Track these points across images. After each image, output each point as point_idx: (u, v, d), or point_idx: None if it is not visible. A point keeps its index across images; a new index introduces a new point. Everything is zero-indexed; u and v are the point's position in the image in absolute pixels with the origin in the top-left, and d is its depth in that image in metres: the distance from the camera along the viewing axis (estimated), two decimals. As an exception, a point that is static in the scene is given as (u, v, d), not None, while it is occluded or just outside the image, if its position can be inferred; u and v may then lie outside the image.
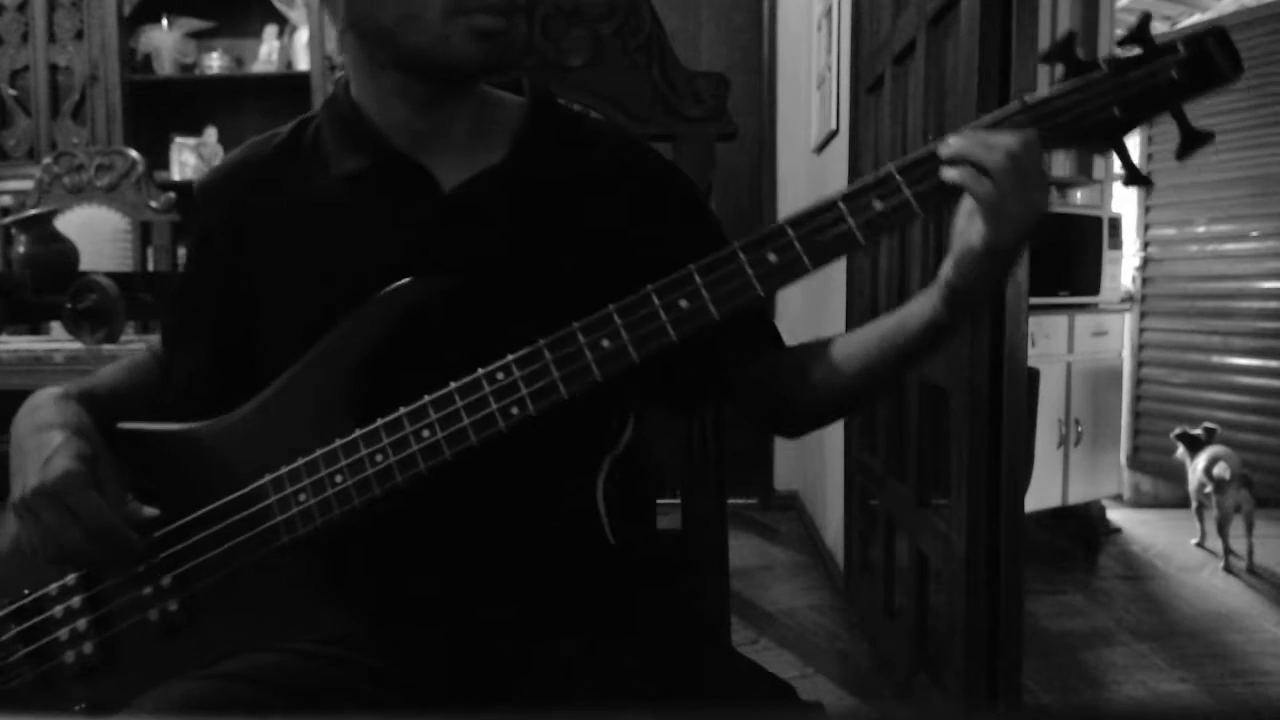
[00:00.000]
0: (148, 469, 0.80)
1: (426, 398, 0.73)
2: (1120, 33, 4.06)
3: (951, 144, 0.69)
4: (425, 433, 0.72)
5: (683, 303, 0.71)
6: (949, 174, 0.69)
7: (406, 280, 0.76)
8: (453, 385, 0.72)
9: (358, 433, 0.74)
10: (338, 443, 0.74)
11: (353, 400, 0.75)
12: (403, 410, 0.73)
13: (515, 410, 0.72)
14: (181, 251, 2.77)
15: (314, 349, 0.77)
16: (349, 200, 0.83)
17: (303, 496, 0.75)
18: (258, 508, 0.76)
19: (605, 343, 0.71)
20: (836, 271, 2.73)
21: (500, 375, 0.72)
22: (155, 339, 0.95)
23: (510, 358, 0.72)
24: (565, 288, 0.80)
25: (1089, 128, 0.69)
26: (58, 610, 0.79)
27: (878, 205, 0.70)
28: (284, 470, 0.75)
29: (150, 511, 0.77)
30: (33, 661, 0.80)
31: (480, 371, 0.72)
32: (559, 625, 0.81)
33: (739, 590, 2.67)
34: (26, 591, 0.81)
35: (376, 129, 0.83)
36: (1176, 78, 0.68)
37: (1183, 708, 1.81)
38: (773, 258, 0.71)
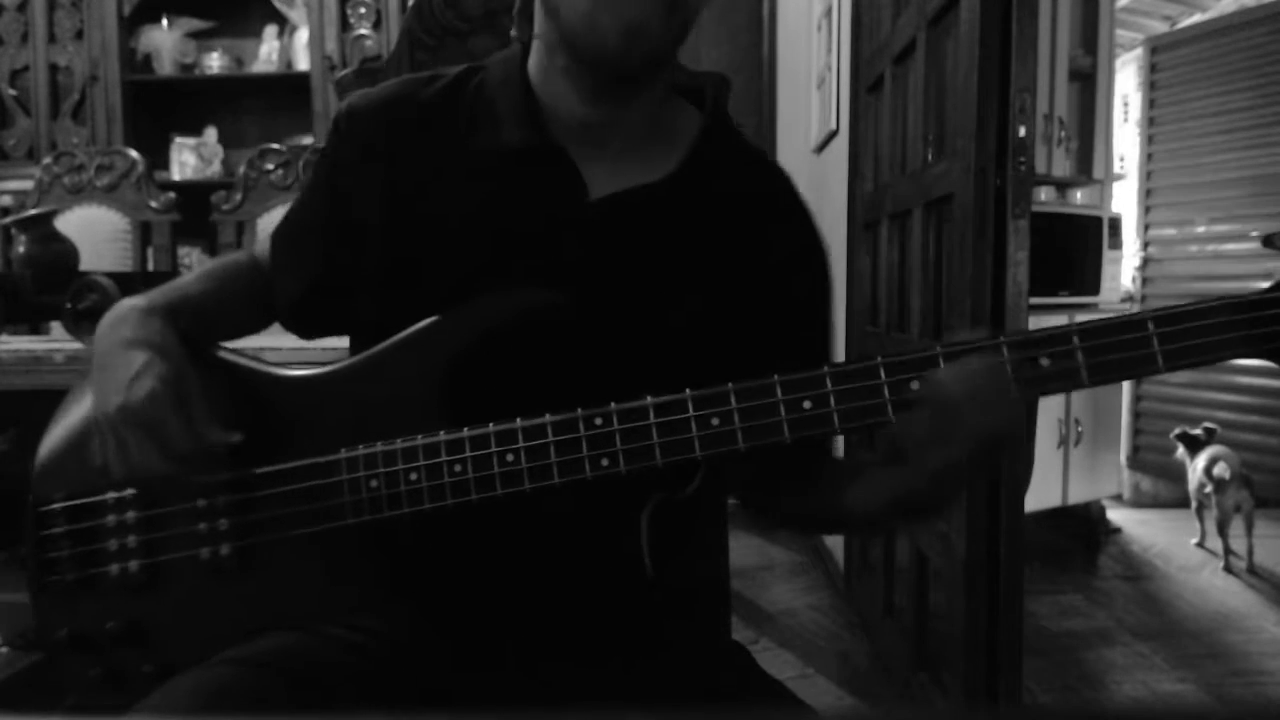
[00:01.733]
0: (230, 399, 0.79)
1: (518, 422, 0.71)
2: (1121, 33, 4.01)
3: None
4: (509, 457, 0.71)
5: (806, 404, 0.67)
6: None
7: (534, 289, 0.74)
8: (548, 417, 0.70)
9: (442, 436, 0.72)
10: (420, 440, 0.73)
11: (444, 393, 0.74)
12: (492, 427, 0.71)
13: (606, 462, 0.70)
14: (182, 251, 2.78)
15: (422, 327, 0.75)
16: (494, 173, 0.80)
17: (374, 483, 0.74)
18: (328, 482, 0.75)
19: (715, 420, 0.68)
20: (837, 276, 2.72)
21: (599, 421, 0.70)
22: (261, 246, 0.92)
23: (614, 407, 0.70)
24: (684, 323, 0.78)
25: None
26: (111, 519, 0.79)
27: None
28: (361, 451, 0.74)
29: (235, 437, 0.75)
30: (76, 563, 0.79)
31: (580, 412, 0.70)
32: (560, 627, 0.81)
33: (739, 590, 2.66)
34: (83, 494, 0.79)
35: (539, 109, 0.79)
36: None
37: (1183, 708, 1.81)
38: (915, 386, 0.66)
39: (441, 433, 0.73)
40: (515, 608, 0.80)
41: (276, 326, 0.92)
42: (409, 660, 0.78)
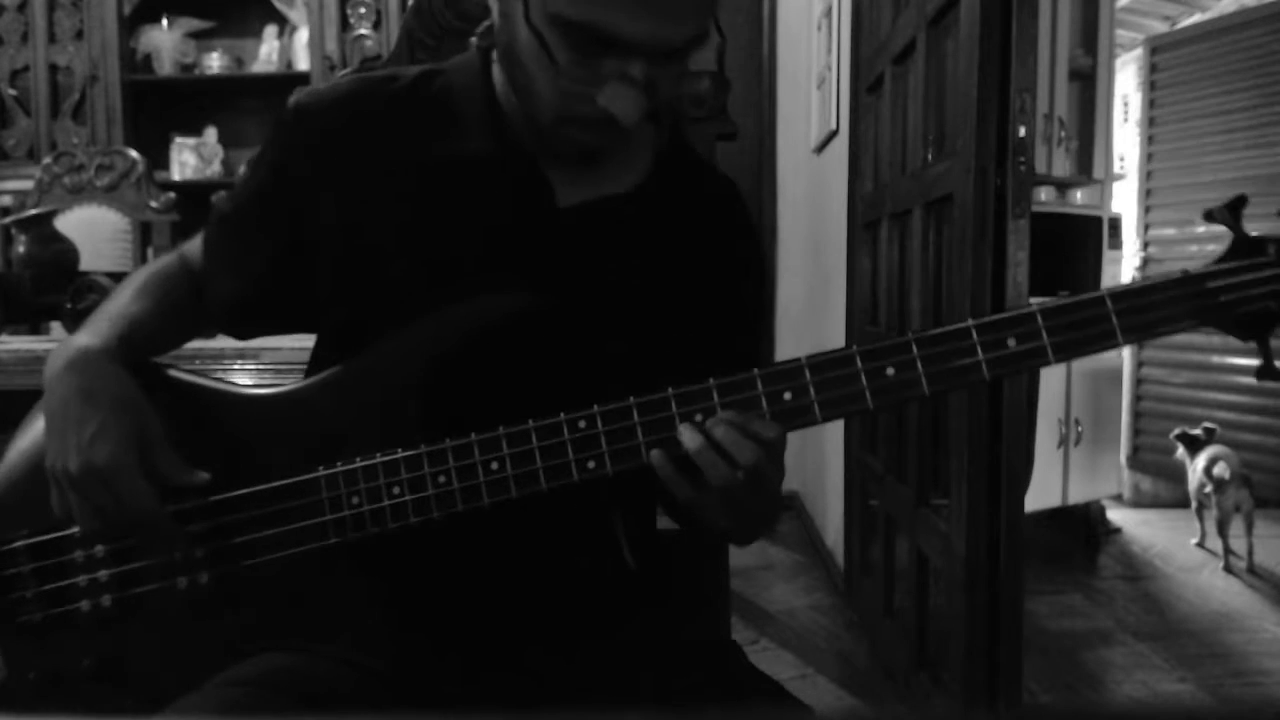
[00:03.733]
0: (199, 426, 0.77)
1: (501, 430, 0.71)
2: (1121, 33, 4.01)
3: (718, 431, 0.67)
4: (494, 465, 0.71)
5: (786, 395, 0.68)
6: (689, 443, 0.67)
7: (512, 292, 0.74)
8: (531, 424, 0.70)
9: (423, 448, 0.72)
10: (400, 454, 0.72)
11: (422, 404, 0.73)
12: (474, 437, 0.71)
13: (592, 465, 0.70)
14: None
15: (388, 340, 0.74)
16: (458, 179, 0.78)
17: (356, 500, 0.72)
18: (308, 501, 0.73)
19: (699, 417, 0.69)
20: (836, 274, 2.73)
21: (583, 424, 0.70)
22: (190, 246, 0.88)
23: (597, 409, 0.70)
24: (647, 329, 0.79)
25: (1241, 316, 0.67)
26: (79, 555, 0.76)
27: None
28: (340, 469, 0.73)
29: (203, 477, 0.74)
30: (44, 602, 0.76)
31: (563, 417, 0.70)
32: (557, 626, 0.81)
33: (739, 590, 2.66)
34: (45, 530, 0.76)
35: (506, 118, 0.79)
36: None
37: (1183, 708, 1.81)
38: (891, 371, 0.68)
39: (422, 445, 0.72)
40: (505, 611, 0.79)
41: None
42: (408, 675, 0.78)
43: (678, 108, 0.88)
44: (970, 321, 0.68)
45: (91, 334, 0.77)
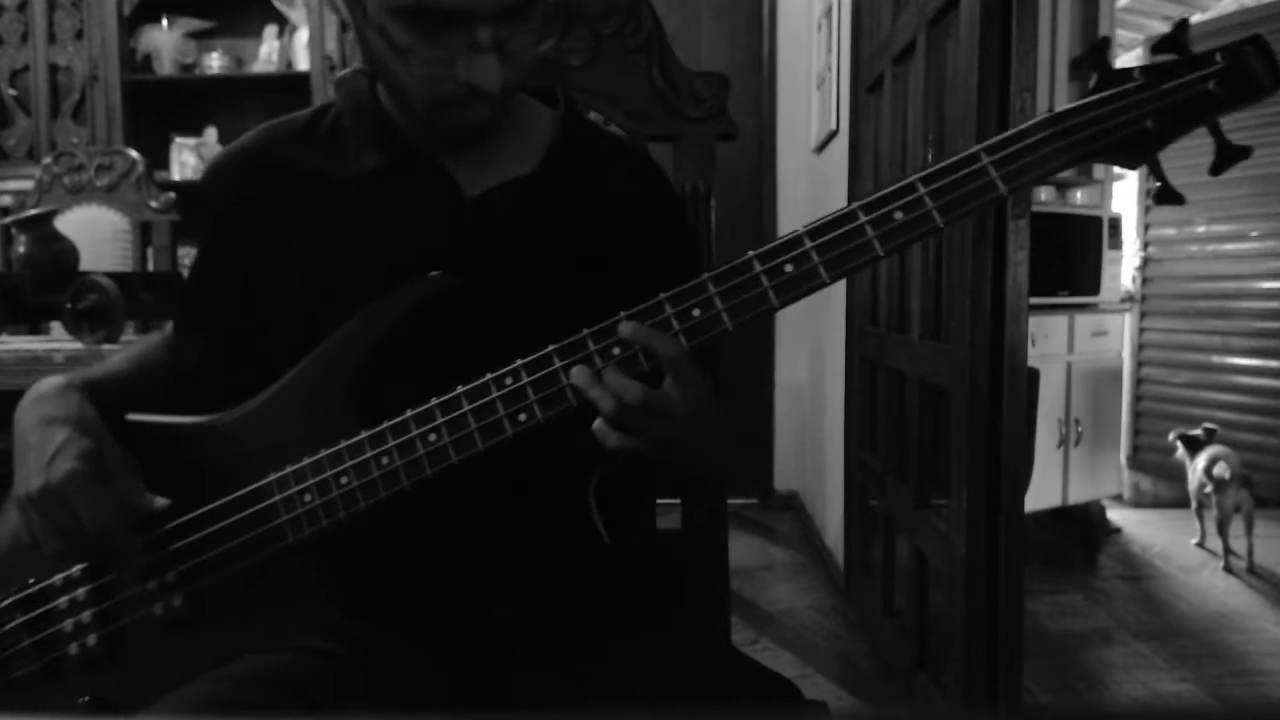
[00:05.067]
0: (155, 461, 0.80)
1: (434, 400, 0.72)
2: (1121, 33, 4.01)
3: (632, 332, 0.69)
4: (432, 436, 0.72)
5: (695, 311, 0.70)
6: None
7: (416, 278, 0.75)
8: (460, 389, 0.72)
9: (364, 434, 0.73)
10: (343, 444, 0.74)
11: (359, 398, 0.75)
12: (410, 413, 0.73)
13: (523, 417, 0.71)
14: (181, 251, 2.78)
15: (322, 345, 0.76)
16: (365, 196, 0.82)
17: (308, 497, 0.74)
18: (263, 506, 0.75)
19: (616, 350, 0.71)
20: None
21: (509, 380, 0.71)
22: (169, 325, 0.94)
23: (520, 362, 0.71)
24: (575, 301, 0.79)
25: (1120, 141, 0.67)
26: (62, 601, 0.79)
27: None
28: (289, 470, 0.75)
29: (161, 502, 0.76)
30: (37, 652, 0.79)
31: (489, 376, 0.71)
32: (556, 625, 0.81)
33: (739, 590, 2.67)
34: (31, 581, 0.80)
35: (398, 128, 0.82)
36: (1214, 90, 0.66)
37: (1183, 708, 1.81)
38: (789, 268, 0.70)
39: (363, 432, 0.74)
40: (484, 597, 0.80)
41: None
42: (394, 665, 0.78)
43: (566, 90, 0.91)
44: (855, 204, 0.69)
45: (63, 376, 0.81)
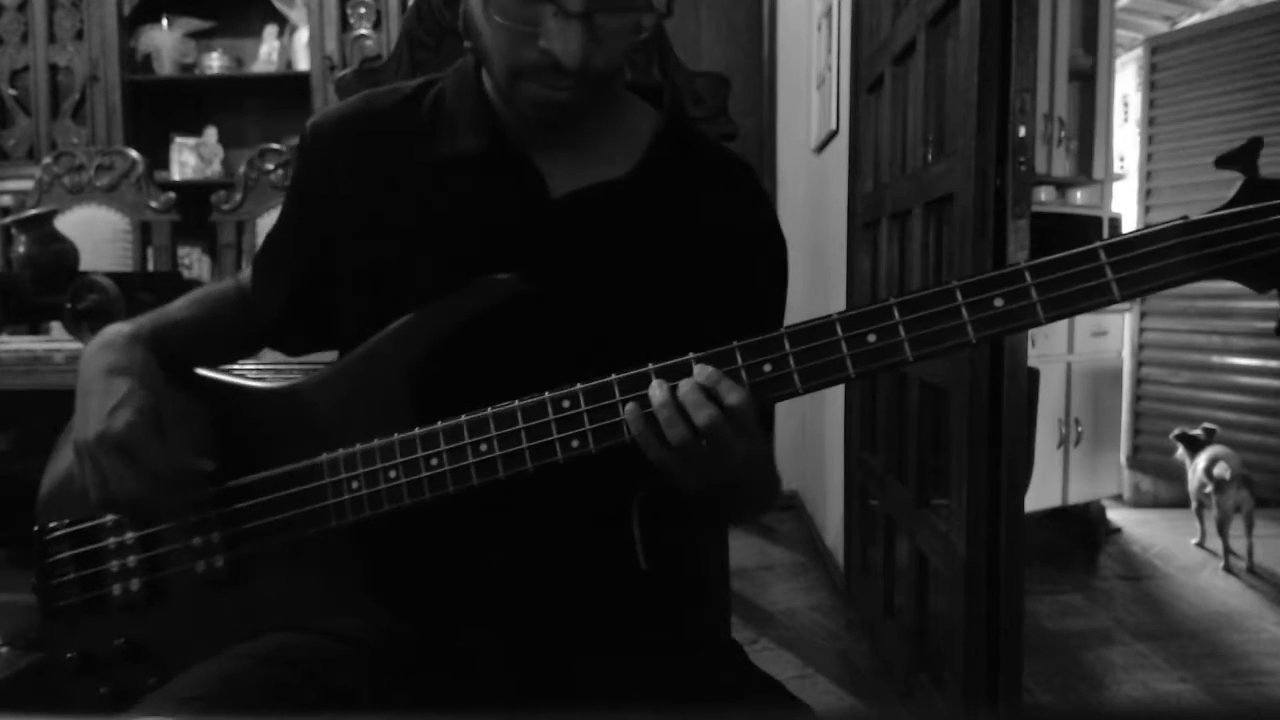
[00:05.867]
0: (214, 419, 0.81)
1: (489, 410, 0.71)
2: (1121, 33, 4.00)
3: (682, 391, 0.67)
4: (483, 447, 0.71)
5: (766, 367, 0.67)
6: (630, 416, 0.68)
7: (487, 279, 0.75)
8: (516, 404, 0.71)
9: (416, 431, 0.73)
10: (396, 437, 0.74)
11: (422, 389, 0.75)
12: (464, 418, 0.72)
13: (576, 444, 0.70)
14: (182, 251, 2.78)
15: (385, 332, 0.77)
16: (455, 180, 0.81)
17: (355, 485, 0.75)
18: (312, 486, 0.76)
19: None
20: (836, 274, 2.73)
21: (566, 404, 0.70)
22: (244, 274, 0.94)
23: (580, 387, 0.70)
24: (651, 315, 0.79)
25: (1257, 262, 0.61)
26: (111, 542, 0.82)
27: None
28: (341, 454, 0.75)
29: (206, 464, 0.77)
30: (81, 586, 0.82)
31: (547, 395, 0.70)
32: (581, 641, 0.81)
33: (739, 590, 2.67)
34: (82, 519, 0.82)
35: (495, 115, 0.81)
36: None
37: (1183, 708, 1.81)
38: (872, 338, 0.66)
39: (416, 429, 0.73)
40: (510, 603, 0.80)
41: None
42: (411, 657, 0.78)
43: (675, 92, 0.88)
44: (955, 282, 0.64)
45: (130, 324, 0.82)
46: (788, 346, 0.67)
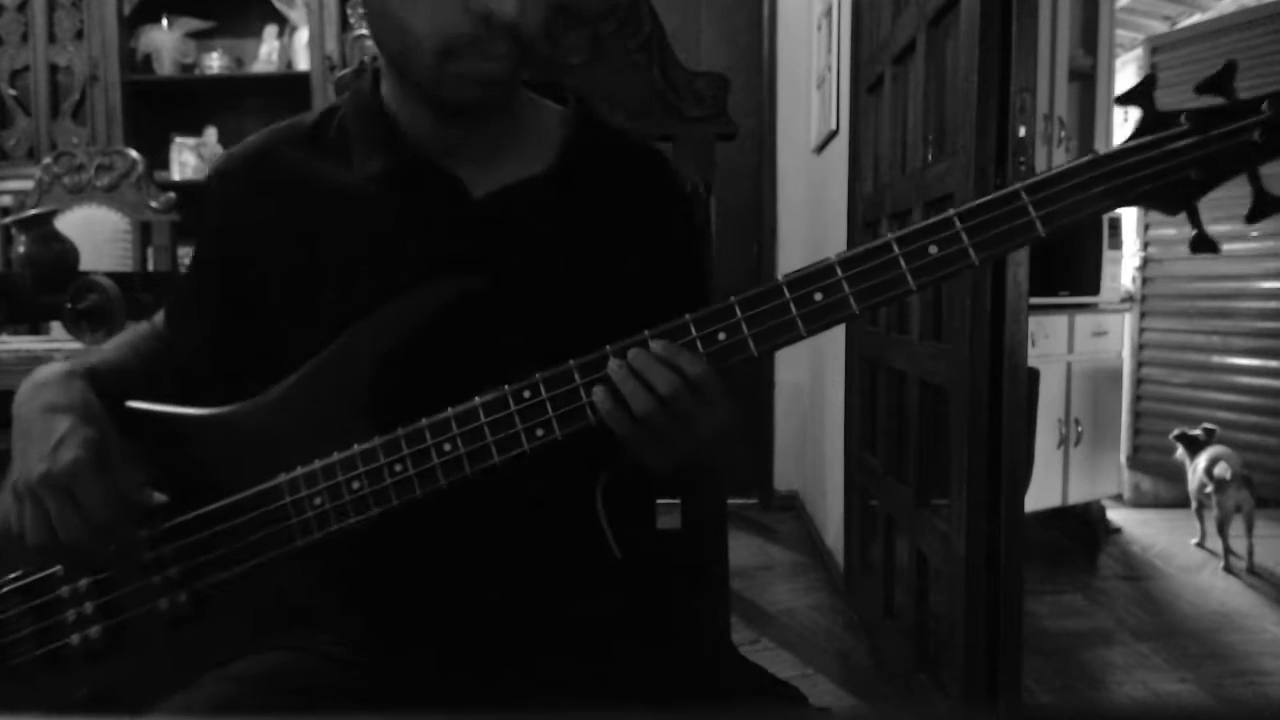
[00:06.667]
0: (158, 451, 0.78)
1: (450, 410, 0.71)
2: (1121, 33, 4.00)
3: (633, 359, 0.68)
4: (447, 446, 0.71)
5: (721, 335, 0.69)
6: (598, 396, 0.69)
7: (433, 280, 0.74)
8: (477, 400, 0.71)
9: (377, 440, 0.73)
10: (356, 449, 0.73)
11: (371, 400, 0.74)
12: (425, 421, 0.72)
13: (541, 433, 0.70)
14: (182, 251, 2.77)
15: (335, 344, 0.75)
16: (372, 199, 0.81)
17: (319, 500, 0.74)
18: (273, 507, 0.75)
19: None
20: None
21: (527, 394, 0.70)
22: (158, 315, 0.93)
23: (539, 376, 0.70)
24: (588, 305, 0.79)
25: (1162, 188, 0.66)
26: (64, 591, 0.78)
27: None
28: (300, 472, 0.74)
29: (158, 498, 0.75)
30: (37, 640, 0.78)
31: (507, 388, 0.71)
32: (562, 636, 0.81)
33: (739, 590, 2.67)
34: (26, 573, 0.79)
35: (402, 131, 0.81)
36: (1258, 140, 0.65)
37: (1183, 708, 1.81)
38: (819, 296, 0.69)
39: (376, 438, 0.73)
40: (489, 603, 0.80)
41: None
42: (397, 668, 0.78)
43: (580, 91, 0.89)
44: (890, 235, 0.68)
45: (64, 364, 0.80)
46: (739, 313, 0.69)
